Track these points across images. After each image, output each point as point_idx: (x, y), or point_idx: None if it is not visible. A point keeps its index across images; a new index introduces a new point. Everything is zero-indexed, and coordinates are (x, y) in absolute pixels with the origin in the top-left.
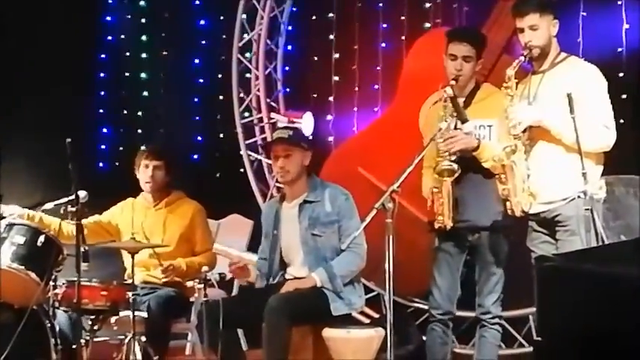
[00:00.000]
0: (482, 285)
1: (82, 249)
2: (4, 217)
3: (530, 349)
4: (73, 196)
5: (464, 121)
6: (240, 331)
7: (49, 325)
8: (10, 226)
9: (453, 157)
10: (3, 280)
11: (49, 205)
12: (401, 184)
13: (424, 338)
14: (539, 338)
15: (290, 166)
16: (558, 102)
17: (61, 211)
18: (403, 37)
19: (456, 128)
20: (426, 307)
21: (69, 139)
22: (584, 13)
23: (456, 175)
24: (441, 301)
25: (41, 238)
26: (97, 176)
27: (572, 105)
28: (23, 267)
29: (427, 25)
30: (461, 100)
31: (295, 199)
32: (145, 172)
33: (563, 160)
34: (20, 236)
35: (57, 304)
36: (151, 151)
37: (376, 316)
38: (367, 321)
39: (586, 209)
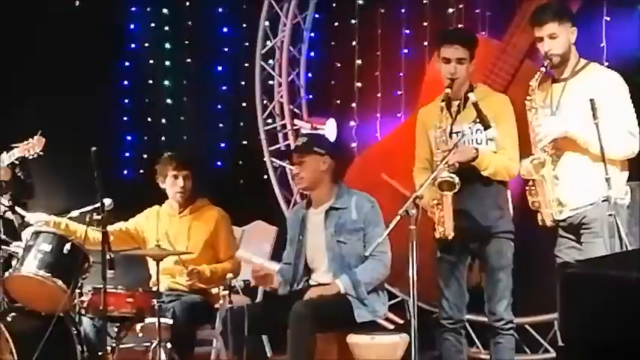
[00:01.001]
0: (491, 292)
1: (107, 256)
2: (30, 225)
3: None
4: (98, 204)
5: (487, 127)
6: (264, 338)
7: (75, 332)
8: (37, 233)
9: (452, 169)
10: (30, 288)
11: (74, 213)
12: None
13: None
14: (562, 344)
15: (303, 173)
16: (582, 111)
17: (87, 219)
18: (426, 43)
19: (450, 134)
20: None
21: (94, 148)
22: (608, 18)
23: (457, 188)
24: (450, 312)
25: (67, 246)
26: (122, 184)
27: (595, 110)
28: (50, 274)
29: None
30: (455, 103)
31: (321, 205)
32: (175, 182)
33: (590, 168)
34: (46, 244)
35: (83, 311)
36: (178, 161)
37: (400, 322)
38: (391, 327)
39: (609, 214)
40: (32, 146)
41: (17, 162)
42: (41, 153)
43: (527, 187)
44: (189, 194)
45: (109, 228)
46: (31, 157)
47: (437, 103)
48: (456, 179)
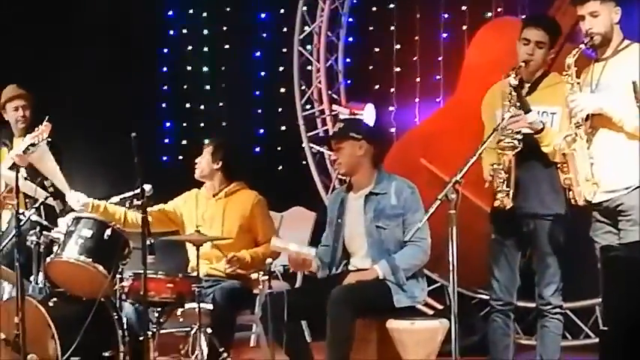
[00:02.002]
0: (541, 276)
1: (147, 242)
2: (71, 211)
3: (597, 340)
4: (138, 190)
5: (527, 111)
6: (304, 323)
7: (116, 317)
8: (77, 219)
9: (517, 136)
10: (71, 273)
11: (115, 199)
12: (464, 175)
13: None
14: (605, 328)
15: (341, 159)
16: (621, 89)
17: (127, 205)
18: (464, 27)
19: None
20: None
21: (134, 134)
22: None
23: (518, 149)
24: (500, 293)
25: (108, 232)
26: (160, 170)
27: (638, 93)
28: (91, 260)
29: (489, 14)
30: (527, 86)
31: (361, 190)
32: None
33: (625, 148)
34: (87, 229)
35: (124, 297)
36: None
37: (440, 307)
38: (431, 312)
39: None
40: (41, 133)
41: (28, 149)
42: (49, 139)
43: (559, 164)
44: (205, 170)
45: (149, 209)
46: (38, 144)
47: (504, 81)
48: (517, 142)
